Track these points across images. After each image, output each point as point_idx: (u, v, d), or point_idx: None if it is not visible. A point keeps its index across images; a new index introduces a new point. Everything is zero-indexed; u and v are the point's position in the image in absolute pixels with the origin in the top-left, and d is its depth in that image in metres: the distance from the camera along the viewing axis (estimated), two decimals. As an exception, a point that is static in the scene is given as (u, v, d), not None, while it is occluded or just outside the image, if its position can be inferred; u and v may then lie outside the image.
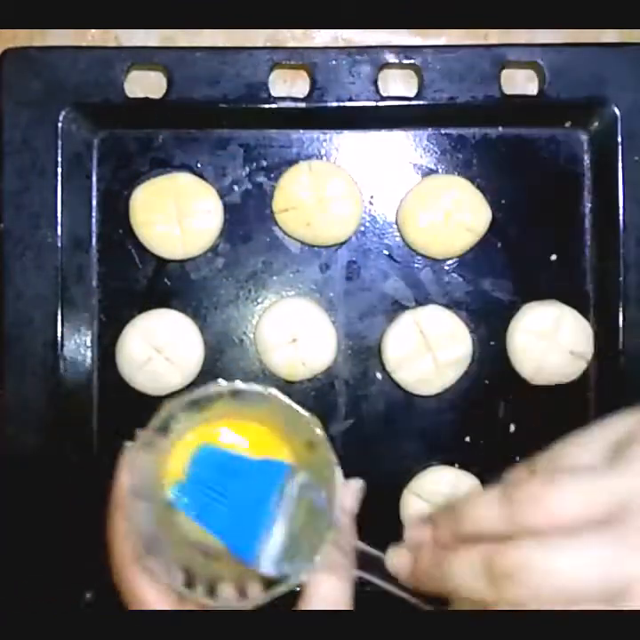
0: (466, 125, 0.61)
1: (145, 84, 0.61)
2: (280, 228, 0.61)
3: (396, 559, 0.34)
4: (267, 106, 0.59)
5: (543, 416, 0.62)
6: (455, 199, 0.60)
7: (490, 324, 0.62)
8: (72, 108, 0.58)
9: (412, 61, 0.58)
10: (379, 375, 0.62)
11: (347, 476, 0.60)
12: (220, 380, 0.39)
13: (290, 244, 0.62)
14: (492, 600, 0.29)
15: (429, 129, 0.62)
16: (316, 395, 0.62)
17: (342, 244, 0.62)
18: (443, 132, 0.62)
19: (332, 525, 0.36)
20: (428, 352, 0.60)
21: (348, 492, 0.40)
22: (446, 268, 0.62)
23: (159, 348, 0.60)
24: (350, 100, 0.59)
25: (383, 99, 0.59)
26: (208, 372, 0.61)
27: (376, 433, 0.62)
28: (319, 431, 0.37)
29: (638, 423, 0.33)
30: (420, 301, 0.62)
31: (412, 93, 0.59)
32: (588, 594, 0.27)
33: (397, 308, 0.62)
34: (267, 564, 0.35)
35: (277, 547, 0.36)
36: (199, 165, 0.62)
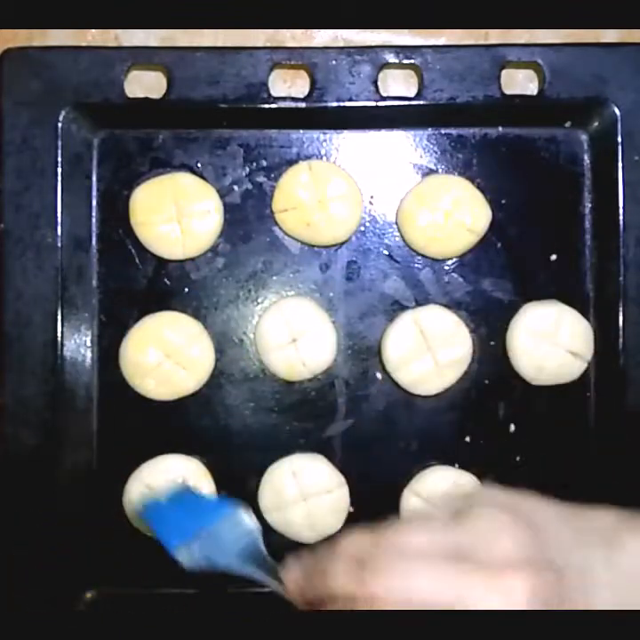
0: (466, 125, 0.61)
1: (145, 84, 0.61)
2: (280, 227, 0.61)
3: (288, 575, 0.40)
4: (267, 106, 0.59)
5: (543, 416, 0.62)
6: (455, 199, 0.60)
7: (490, 324, 0.62)
8: (72, 107, 0.58)
9: (411, 61, 0.58)
10: (379, 375, 0.62)
11: (346, 476, 0.61)
12: None
13: (290, 244, 0.62)
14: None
15: (429, 129, 0.62)
16: (316, 395, 0.62)
17: (342, 244, 0.62)
18: (443, 131, 0.62)
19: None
20: (427, 352, 0.60)
21: None
22: (446, 268, 0.62)
23: (169, 353, 0.60)
24: (350, 100, 0.59)
25: (383, 99, 0.59)
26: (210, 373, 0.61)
27: (376, 433, 0.62)
28: None
29: (474, 495, 0.40)
30: (420, 301, 0.62)
31: (412, 93, 0.59)
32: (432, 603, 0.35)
33: (397, 308, 0.62)
34: (183, 557, 0.44)
35: (196, 549, 0.44)
36: (199, 165, 0.62)
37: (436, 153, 0.62)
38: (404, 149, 0.62)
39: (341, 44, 0.62)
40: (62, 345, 0.59)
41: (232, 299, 0.62)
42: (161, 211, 0.60)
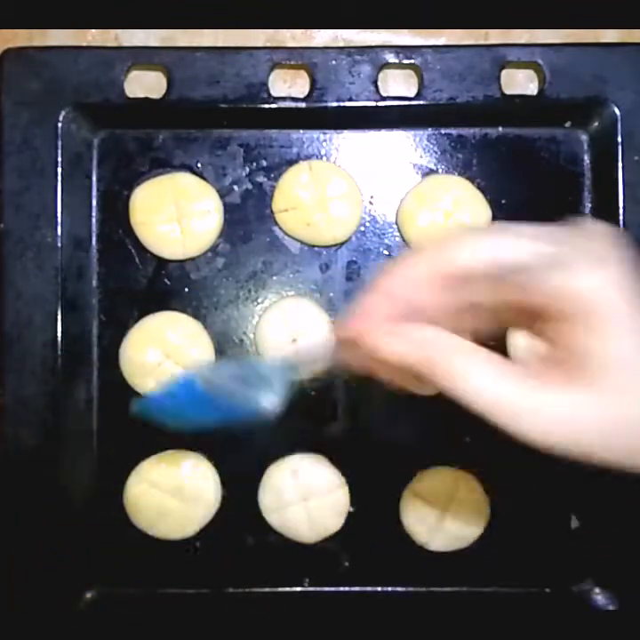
0: (466, 125, 0.61)
1: (145, 84, 0.61)
2: (280, 228, 0.61)
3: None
4: (267, 106, 0.59)
5: (543, 416, 0.62)
6: (455, 199, 0.60)
7: (490, 324, 0.62)
8: (72, 108, 0.58)
9: (411, 61, 0.58)
10: (379, 375, 0.62)
11: (346, 476, 0.61)
12: None
13: (290, 244, 0.62)
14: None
15: (429, 129, 0.62)
16: (316, 395, 0.62)
17: (342, 244, 0.62)
18: (443, 132, 0.62)
19: None
20: (427, 352, 0.60)
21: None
22: (446, 268, 0.62)
23: (169, 353, 0.60)
24: (350, 100, 0.59)
25: (383, 99, 0.59)
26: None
27: (376, 433, 0.62)
28: None
29: None
30: (420, 301, 0.62)
31: (412, 93, 0.59)
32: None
33: (397, 308, 0.62)
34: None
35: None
36: (199, 165, 0.62)
37: (436, 153, 0.62)
38: (404, 149, 0.62)
39: (341, 44, 0.62)
40: (62, 345, 0.59)
41: (232, 299, 0.62)
42: (161, 211, 0.60)
